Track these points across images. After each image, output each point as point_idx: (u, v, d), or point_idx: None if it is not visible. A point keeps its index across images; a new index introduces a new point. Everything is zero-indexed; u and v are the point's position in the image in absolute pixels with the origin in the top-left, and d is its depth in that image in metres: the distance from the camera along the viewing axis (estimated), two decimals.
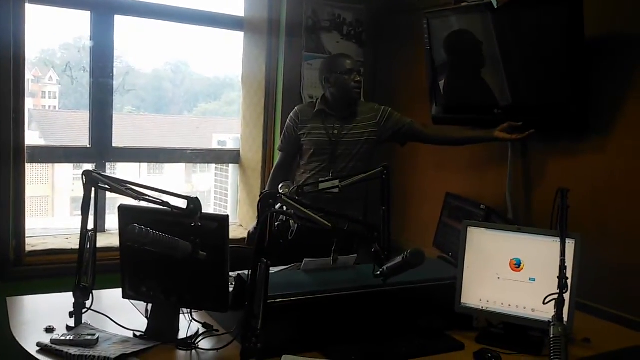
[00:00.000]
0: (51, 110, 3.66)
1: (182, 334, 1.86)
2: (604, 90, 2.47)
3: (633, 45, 2.39)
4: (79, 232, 1.89)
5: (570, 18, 2.36)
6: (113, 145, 3.31)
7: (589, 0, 2.35)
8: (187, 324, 1.89)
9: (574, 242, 1.90)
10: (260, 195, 1.74)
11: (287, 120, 2.95)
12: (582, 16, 2.34)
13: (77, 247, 1.90)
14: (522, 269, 1.99)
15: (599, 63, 2.46)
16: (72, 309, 1.89)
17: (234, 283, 1.88)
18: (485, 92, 2.81)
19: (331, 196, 2.42)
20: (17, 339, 1.80)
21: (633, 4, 2.39)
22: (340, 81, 2.80)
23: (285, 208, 1.85)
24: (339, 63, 2.83)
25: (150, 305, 1.92)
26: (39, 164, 3.39)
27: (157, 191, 1.85)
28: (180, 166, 4.05)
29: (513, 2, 2.55)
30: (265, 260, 1.60)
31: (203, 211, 1.78)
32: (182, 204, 1.79)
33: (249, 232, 3.11)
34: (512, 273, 2.00)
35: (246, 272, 1.74)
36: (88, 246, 1.90)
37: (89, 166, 3.24)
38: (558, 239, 1.82)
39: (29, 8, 2.86)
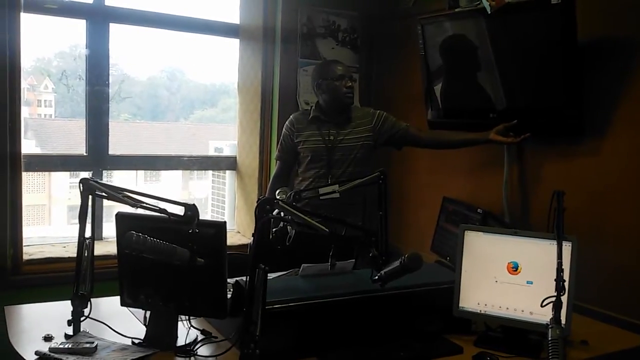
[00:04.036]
0: (47, 119, 3.65)
1: (180, 341, 1.85)
2: (598, 93, 2.49)
3: (626, 48, 2.41)
4: (76, 241, 1.89)
5: (564, 22, 2.38)
6: (109, 153, 3.31)
7: (582, 4, 2.37)
8: (186, 331, 1.89)
9: (570, 244, 1.91)
10: (257, 202, 1.75)
11: (283, 129, 2.96)
12: (575, 20, 2.36)
13: (75, 255, 1.89)
14: (519, 272, 2.00)
15: (592, 66, 2.48)
16: (70, 317, 1.88)
17: (232, 289, 1.88)
18: (481, 96, 2.82)
19: (329, 202, 2.42)
20: (15, 347, 1.80)
21: (626, 7, 2.41)
22: (332, 87, 2.81)
23: (282, 214, 1.85)
24: (330, 69, 2.84)
25: (148, 313, 1.92)
26: (35, 173, 3.39)
27: (154, 198, 1.85)
28: (177, 173, 4.04)
29: (506, 7, 2.57)
30: (263, 266, 1.61)
31: (200, 218, 1.79)
32: (179, 211, 1.79)
33: (250, 245, 3.08)
34: (510, 276, 2.01)
35: (244, 278, 1.74)
36: (86, 254, 1.89)
37: (86, 174, 3.21)
38: (555, 242, 1.82)
39: (24, 17, 2.86)
